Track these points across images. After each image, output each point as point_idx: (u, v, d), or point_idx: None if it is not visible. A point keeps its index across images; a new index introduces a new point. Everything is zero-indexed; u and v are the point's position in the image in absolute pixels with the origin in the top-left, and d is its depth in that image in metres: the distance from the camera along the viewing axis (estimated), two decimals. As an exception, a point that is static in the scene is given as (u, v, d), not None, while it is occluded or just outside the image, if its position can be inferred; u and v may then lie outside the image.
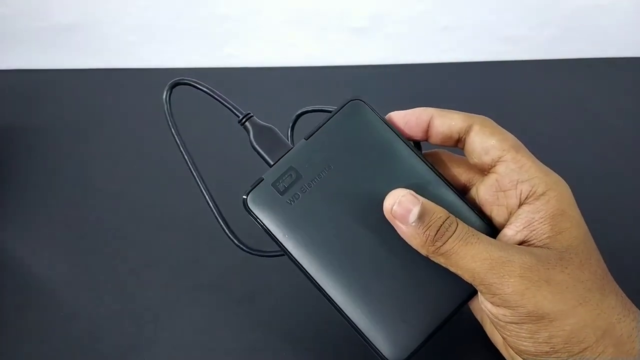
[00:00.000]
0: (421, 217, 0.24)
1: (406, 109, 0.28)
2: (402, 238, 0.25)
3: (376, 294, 0.26)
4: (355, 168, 0.27)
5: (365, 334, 0.26)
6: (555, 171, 0.26)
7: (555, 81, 0.49)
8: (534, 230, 0.25)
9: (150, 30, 0.50)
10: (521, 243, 0.25)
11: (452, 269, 0.24)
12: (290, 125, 0.30)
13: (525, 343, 0.24)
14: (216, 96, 0.29)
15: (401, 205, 0.25)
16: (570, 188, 0.26)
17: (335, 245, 0.26)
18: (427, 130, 0.28)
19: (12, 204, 0.41)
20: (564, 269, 0.23)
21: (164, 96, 0.30)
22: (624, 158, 0.42)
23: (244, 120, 0.29)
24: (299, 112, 0.30)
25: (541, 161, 0.26)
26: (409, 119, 0.28)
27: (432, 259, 0.25)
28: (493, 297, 0.24)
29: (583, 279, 0.23)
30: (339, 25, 0.50)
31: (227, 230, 0.29)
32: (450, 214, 0.25)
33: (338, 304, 0.26)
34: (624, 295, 0.24)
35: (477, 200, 0.28)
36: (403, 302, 0.26)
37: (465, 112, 0.28)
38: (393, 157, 0.27)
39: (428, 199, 0.25)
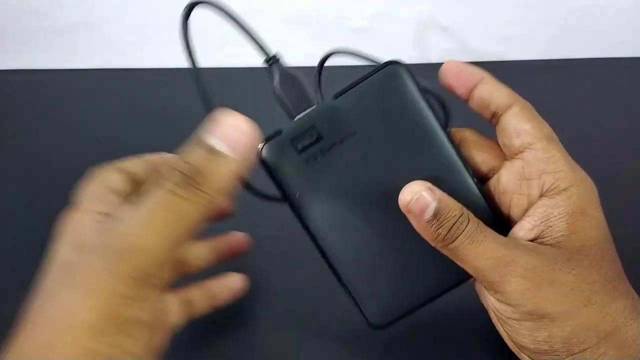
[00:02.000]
0: (436, 214, 0.24)
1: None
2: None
3: (374, 262, 0.27)
4: (380, 140, 0.26)
5: (355, 297, 0.27)
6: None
7: (555, 81, 0.49)
8: (550, 225, 0.24)
9: (150, 30, 0.50)
10: (534, 239, 0.25)
11: (457, 262, 0.25)
12: (317, 67, 0.28)
13: (524, 340, 0.24)
14: (243, 27, 0.27)
15: (418, 202, 0.24)
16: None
17: (343, 212, 0.26)
18: (470, 90, 0.27)
19: (11, 203, 0.41)
20: (570, 270, 0.23)
21: (181, 19, 0.27)
22: (624, 158, 0.42)
23: (270, 62, 0.27)
24: (328, 53, 0.28)
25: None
26: (462, 72, 0.27)
27: (438, 249, 0.25)
28: (495, 293, 0.24)
29: (591, 281, 0.23)
30: (339, 25, 0.50)
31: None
32: (464, 209, 0.25)
33: (334, 265, 0.27)
34: (636, 297, 0.24)
35: (498, 188, 0.27)
36: (397, 275, 0.27)
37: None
38: (421, 134, 0.26)
39: (446, 187, 0.25)
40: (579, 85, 0.48)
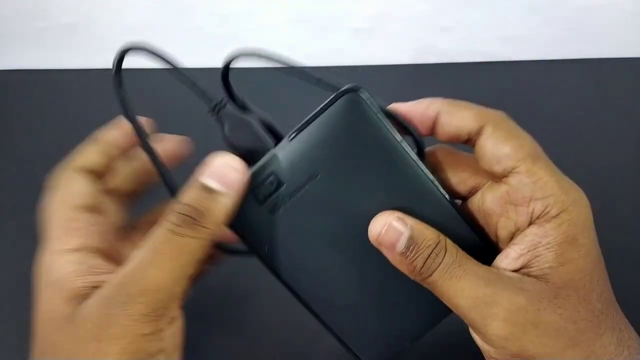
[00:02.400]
0: (410, 244, 0.23)
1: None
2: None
3: (358, 303, 0.25)
4: (345, 179, 0.24)
5: (344, 340, 0.26)
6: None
7: (555, 81, 0.49)
8: (537, 255, 0.23)
9: (150, 30, 0.50)
10: (520, 268, 0.23)
11: (438, 297, 0.23)
12: (222, 72, 0.25)
13: None
14: (182, 73, 0.25)
15: (388, 233, 0.23)
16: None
17: (317, 258, 0.25)
18: (432, 127, 0.25)
19: (11, 203, 0.41)
20: (556, 309, 0.22)
21: (113, 68, 0.24)
22: (624, 158, 0.42)
23: (217, 109, 0.24)
24: (232, 55, 0.25)
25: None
26: (413, 115, 0.25)
27: (418, 282, 0.24)
28: (478, 333, 0.23)
29: (576, 319, 0.22)
30: (339, 25, 0.50)
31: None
32: (441, 237, 0.23)
33: (317, 312, 0.25)
34: (624, 328, 0.23)
35: (482, 208, 0.25)
36: (385, 311, 0.26)
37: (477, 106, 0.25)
38: (388, 165, 0.24)
39: (420, 216, 0.24)
40: (579, 85, 0.48)
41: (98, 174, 0.27)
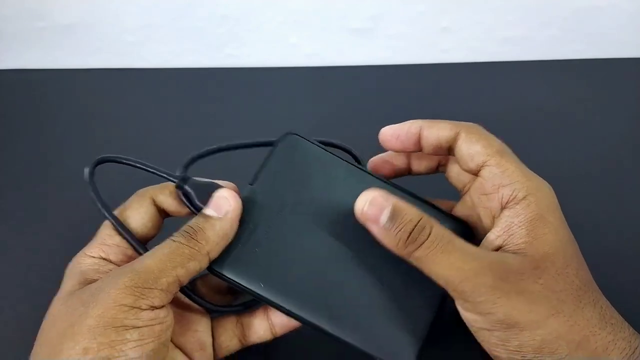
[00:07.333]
0: (393, 217, 0.24)
1: (398, 122, 0.29)
2: (376, 252, 0.25)
3: (367, 312, 0.26)
4: (311, 201, 0.27)
5: (367, 350, 0.26)
6: (553, 171, 0.26)
7: (554, 82, 0.49)
8: (512, 234, 0.25)
9: (150, 30, 0.50)
10: (499, 247, 0.25)
11: (425, 273, 0.24)
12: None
13: (497, 349, 0.24)
14: (147, 167, 0.28)
15: (372, 205, 0.25)
16: (568, 188, 0.26)
17: (314, 279, 0.26)
18: (418, 142, 0.28)
19: (10, 204, 0.41)
20: (537, 279, 0.23)
21: (87, 175, 0.27)
22: (623, 158, 0.42)
23: (182, 182, 0.27)
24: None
25: (540, 161, 0.26)
26: (400, 134, 0.28)
27: (406, 260, 0.25)
28: (465, 303, 0.24)
29: (557, 289, 0.23)
30: (339, 26, 0.50)
31: (192, 295, 0.27)
32: (424, 215, 0.25)
33: (332, 332, 0.26)
34: (605, 306, 0.24)
35: (470, 203, 0.29)
36: (395, 311, 0.26)
37: (455, 120, 0.28)
38: (342, 177, 0.28)
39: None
40: (579, 85, 0.48)
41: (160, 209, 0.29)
